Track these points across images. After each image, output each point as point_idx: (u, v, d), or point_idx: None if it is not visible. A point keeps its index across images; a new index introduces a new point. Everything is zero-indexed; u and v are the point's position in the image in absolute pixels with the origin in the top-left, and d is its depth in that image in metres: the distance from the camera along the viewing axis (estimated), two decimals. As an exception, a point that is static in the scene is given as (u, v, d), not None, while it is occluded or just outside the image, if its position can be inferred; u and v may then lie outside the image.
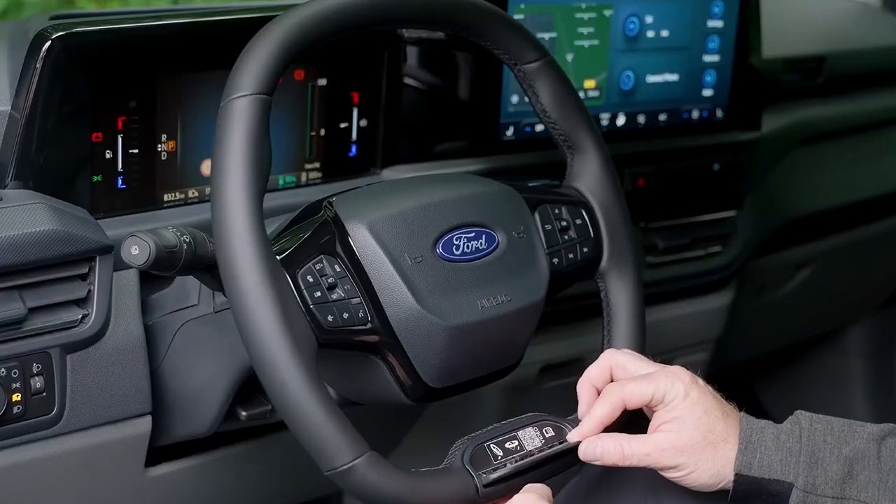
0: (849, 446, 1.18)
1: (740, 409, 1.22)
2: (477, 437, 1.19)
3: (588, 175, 1.38)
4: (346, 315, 1.18)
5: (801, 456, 1.18)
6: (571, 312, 1.73)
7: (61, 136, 1.27)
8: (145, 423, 1.33)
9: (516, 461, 1.18)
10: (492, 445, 1.19)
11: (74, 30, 1.26)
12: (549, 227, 1.34)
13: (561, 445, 1.21)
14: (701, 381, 1.22)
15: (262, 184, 1.11)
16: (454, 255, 1.25)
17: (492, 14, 1.30)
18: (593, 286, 1.39)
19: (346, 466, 1.09)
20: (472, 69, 1.57)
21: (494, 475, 1.16)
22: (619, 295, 1.37)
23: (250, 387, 1.36)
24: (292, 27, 1.15)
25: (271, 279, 1.09)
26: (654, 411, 1.21)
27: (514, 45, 1.33)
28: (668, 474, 1.19)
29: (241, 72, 1.12)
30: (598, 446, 1.19)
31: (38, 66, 1.23)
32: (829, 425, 1.20)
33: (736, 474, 1.18)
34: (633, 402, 1.20)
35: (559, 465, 1.22)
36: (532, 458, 1.19)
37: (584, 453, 1.20)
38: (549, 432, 1.22)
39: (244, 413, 1.38)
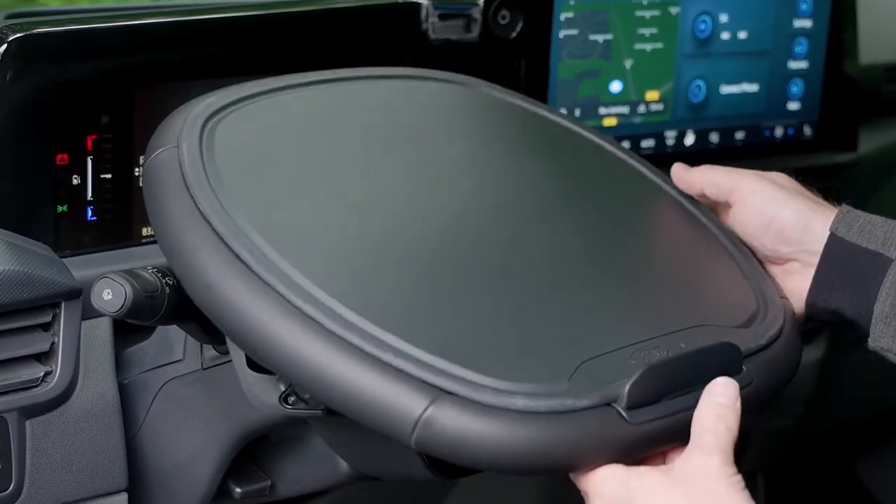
0: None
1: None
2: None
3: None
4: None
5: None
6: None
7: (20, 157, 1.27)
8: (120, 502, 1.30)
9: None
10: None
11: (36, 30, 1.25)
12: None
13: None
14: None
15: None
16: None
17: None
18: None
19: (425, 415, 0.97)
20: (510, 75, 1.57)
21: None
22: None
23: (245, 457, 1.35)
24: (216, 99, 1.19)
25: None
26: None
27: None
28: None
29: (163, 129, 1.15)
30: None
31: (-9, 73, 1.24)
32: None
33: (830, 234, 1.18)
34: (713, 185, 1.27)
35: None
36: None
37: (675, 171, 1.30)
38: None
39: (238, 489, 1.36)
